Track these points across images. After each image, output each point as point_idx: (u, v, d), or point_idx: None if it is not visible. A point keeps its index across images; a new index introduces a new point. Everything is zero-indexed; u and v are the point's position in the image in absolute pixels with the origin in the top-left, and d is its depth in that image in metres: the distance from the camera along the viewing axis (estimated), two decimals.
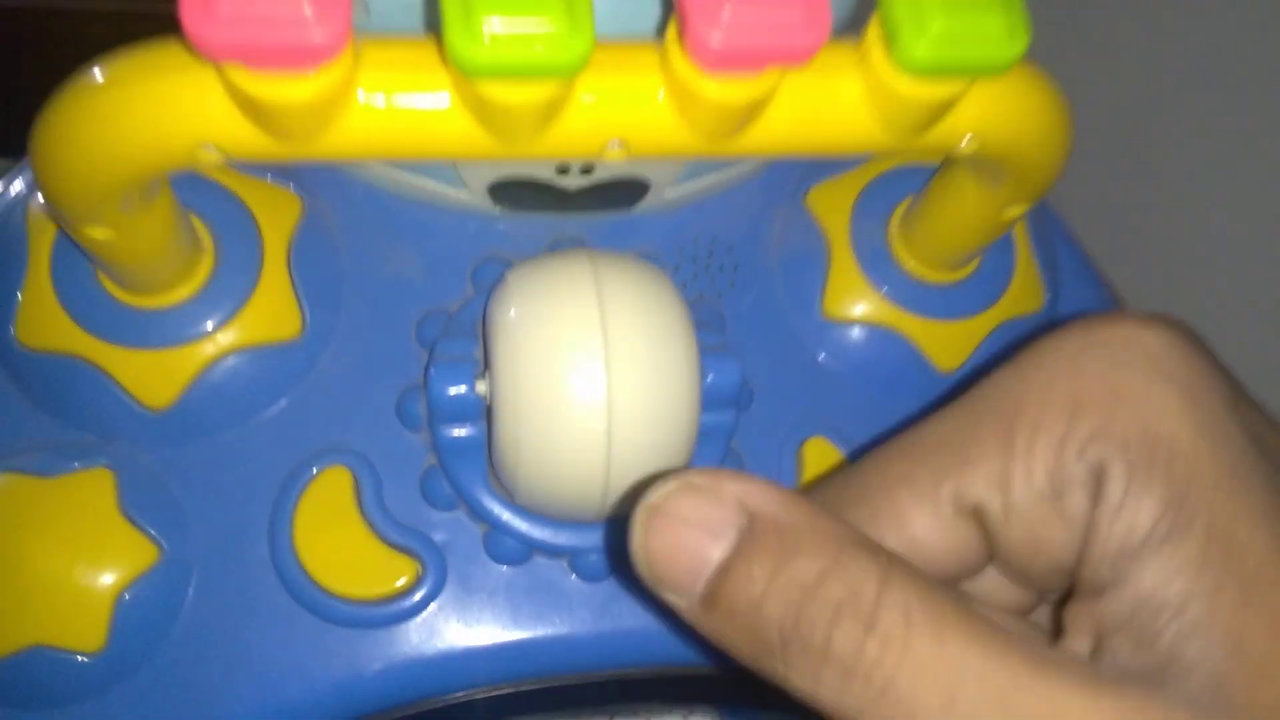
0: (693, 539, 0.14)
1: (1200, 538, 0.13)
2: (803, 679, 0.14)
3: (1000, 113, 0.18)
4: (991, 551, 0.16)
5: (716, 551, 0.14)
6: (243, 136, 0.16)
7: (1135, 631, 0.13)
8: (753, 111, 0.17)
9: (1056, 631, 0.15)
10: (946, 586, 0.14)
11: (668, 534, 0.14)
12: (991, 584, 0.16)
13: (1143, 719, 0.12)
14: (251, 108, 0.16)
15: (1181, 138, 0.50)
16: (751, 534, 0.14)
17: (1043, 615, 0.17)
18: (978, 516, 0.15)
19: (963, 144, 0.19)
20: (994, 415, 0.15)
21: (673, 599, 0.15)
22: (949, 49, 0.16)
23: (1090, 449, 0.14)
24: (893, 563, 0.14)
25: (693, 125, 0.17)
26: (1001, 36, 0.16)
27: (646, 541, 0.14)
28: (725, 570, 0.14)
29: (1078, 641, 0.14)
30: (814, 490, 0.17)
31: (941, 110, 0.18)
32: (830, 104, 0.17)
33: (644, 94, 0.17)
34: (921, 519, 0.15)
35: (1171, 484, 0.13)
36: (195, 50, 0.14)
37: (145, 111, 0.16)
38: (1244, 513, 0.13)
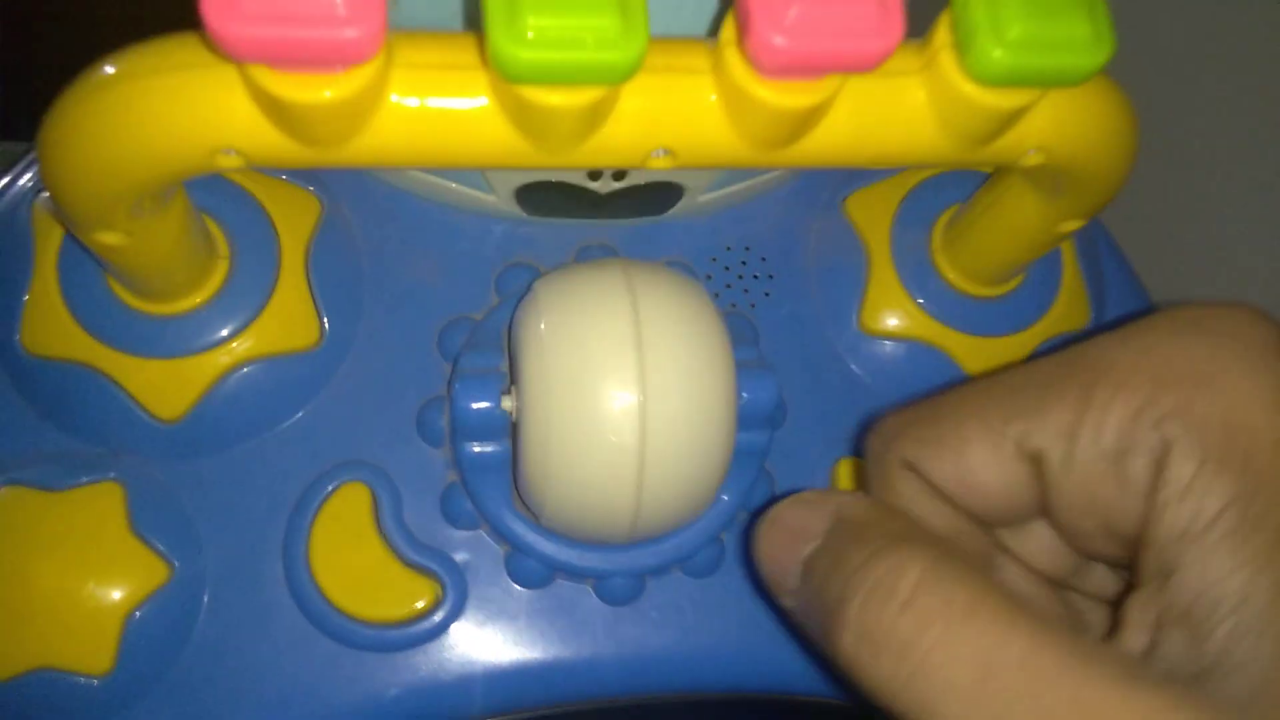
0: (792, 542, 0.16)
1: (1269, 536, 0.13)
2: (849, 661, 0.14)
3: (1071, 124, 0.17)
4: (1044, 503, 0.16)
5: (807, 550, 0.16)
6: (266, 141, 0.15)
7: (1190, 626, 0.13)
8: (810, 119, 0.16)
9: (1114, 626, 0.15)
10: (1000, 585, 0.14)
11: (774, 539, 0.16)
12: (1039, 542, 0.17)
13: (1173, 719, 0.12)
14: (276, 110, 0.15)
15: (1213, 135, 0.48)
16: (833, 532, 0.15)
17: (1094, 601, 0.17)
18: (1037, 463, 0.15)
19: (1028, 156, 0.18)
20: (1081, 369, 0.15)
21: (786, 601, 0.16)
22: (1028, 57, 0.15)
23: (1166, 423, 0.14)
24: (945, 556, 0.14)
25: (744, 134, 0.16)
26: (1086, 43, 0.15)
27: (759, 548, 0.16)
28: (809, 563, 0.15)
29: (1134, 637, 0.14)
30: (902, 411, 0.17)
31: (1010, 121, 0.17)
32: (892, 112, 0.16)
33: (694, 99, 0.16)
34: (981, 452, 0.16)
35: (1246, 477, 0.13)
36: (217, 48, 0.13)
37: (162, 113, 0.15)
38: None
